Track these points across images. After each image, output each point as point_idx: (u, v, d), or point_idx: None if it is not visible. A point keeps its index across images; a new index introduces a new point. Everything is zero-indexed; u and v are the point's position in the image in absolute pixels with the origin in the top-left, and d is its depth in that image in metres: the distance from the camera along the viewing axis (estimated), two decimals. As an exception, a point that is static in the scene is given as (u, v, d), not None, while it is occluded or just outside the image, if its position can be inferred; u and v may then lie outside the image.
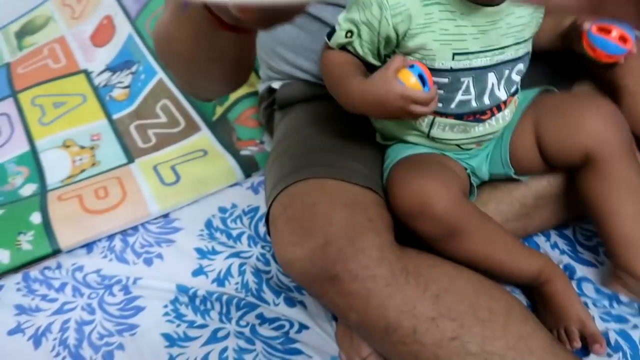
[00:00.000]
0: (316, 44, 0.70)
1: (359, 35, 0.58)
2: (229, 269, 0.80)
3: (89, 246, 0.88)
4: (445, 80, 0.58)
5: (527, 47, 0.61)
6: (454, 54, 0.57)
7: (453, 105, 0.61)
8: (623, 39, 0.59)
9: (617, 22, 0.59)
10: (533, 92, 0.68)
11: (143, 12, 1.29)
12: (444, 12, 0.55)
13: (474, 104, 0.60)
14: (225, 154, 1.00)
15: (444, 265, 0.59)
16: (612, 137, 0.59)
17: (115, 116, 1.17)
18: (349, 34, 0.58)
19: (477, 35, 0.57)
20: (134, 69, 1.25)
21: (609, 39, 0.59)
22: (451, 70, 0.58)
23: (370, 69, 0.61)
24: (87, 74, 1.30)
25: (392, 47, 0.58)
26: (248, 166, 0.97)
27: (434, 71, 0.58)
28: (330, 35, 0.61)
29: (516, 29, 0.58)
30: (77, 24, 1.46)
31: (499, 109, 0.63)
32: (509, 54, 0.59)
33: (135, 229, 0.90)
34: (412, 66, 0.55)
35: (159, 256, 0.84)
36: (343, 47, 0.60)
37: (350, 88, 0.58)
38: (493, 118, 0.62)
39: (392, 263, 0.57)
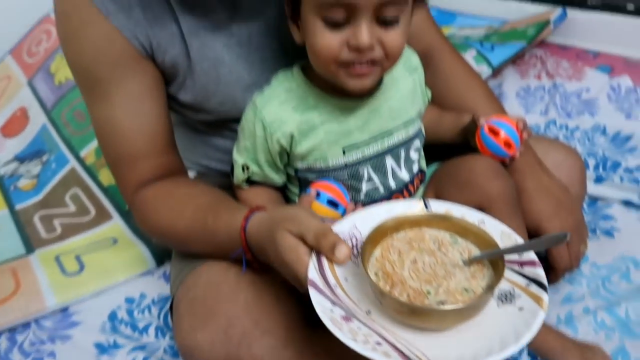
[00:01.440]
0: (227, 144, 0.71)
1: (256, 161, 0.60)
2: (131, 365, 0.73)
3: (-33, 348, 0.77)
4: (345, 175, 0.60)
5: (417, 125, 0.64)
6: (344, 150, 0.59)
7: (362, 197, 0.62)
8: (508, 144, 0.63)
9: (507, 127, 0.63)
10: (432, 167, 0.72)
11: (60, 103, 1.27)
12: (323, 115, 0.58)
13: (381, 190, 0.62)
14: (137, 242, 0.96)
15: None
16: (496, 191, 0.61)
17: (18, 206, 1.09)
18: (245, 169, 0.61)
19: (362, 126, 0.59)
20: (44, 158, 1.21)
21: (495, 140, 0.63)
22: (346, 165, 0.60)
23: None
24: (-8, 164, 1.23)
25: (285, 158, 0.61)
26: (161, 254, 0.93)
27: (330, 171, 0.59)
28: (232, 172, 0.63)
29: (400, 111, 0.61)
30: (-13, 116, 1.41)
31: (410, 192, 0.65)
32: (400, 136, 0.62)
33: (26, 325, 0.80)
34: (318, 195, 0.57)
35: (52, 354, 0.75)
36: (250, 181, 0.62)
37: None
38: None
39: (300, 345, 0.54)
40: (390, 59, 0.53)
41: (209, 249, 0.61)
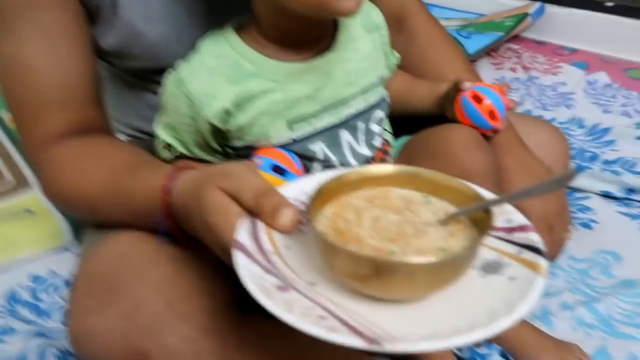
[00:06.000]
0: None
1: (182, 143, 0.51)
2: (23, 355, 0.59)
3: None
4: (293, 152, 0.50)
5: (378, 93, 0.54)
6: (290, 123, 0.49)
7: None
8: (492, 114, 0.55)
9: (492, 94, 0.56)
10: (403, 139, 0.62)
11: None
12: (263, 82, 0.47)
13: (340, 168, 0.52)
14: (56, 215, 0.82)
15: (295, 337, 0.47)
16: (477, 163, 0.53)
17: None
18: (167, 146, 0.51)
19: (312, 94, 0.49)
20: (-40, 119, 1.06)
21: (479, 109, 0.55)
22: (295, 141, 0.50)
23: None
24: None
25: (220, 137, 0.50)
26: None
27: (277, 147, 0.49)
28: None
29: (358, 75, 0.51)
30: None
31: None
32: (358, 105, 0.52)
33: None
34: (260, 161, 0.47)
35: None
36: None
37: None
38: None
39: (224, 333, 0.43)
40: None
41: (123, 217, 0.49)
